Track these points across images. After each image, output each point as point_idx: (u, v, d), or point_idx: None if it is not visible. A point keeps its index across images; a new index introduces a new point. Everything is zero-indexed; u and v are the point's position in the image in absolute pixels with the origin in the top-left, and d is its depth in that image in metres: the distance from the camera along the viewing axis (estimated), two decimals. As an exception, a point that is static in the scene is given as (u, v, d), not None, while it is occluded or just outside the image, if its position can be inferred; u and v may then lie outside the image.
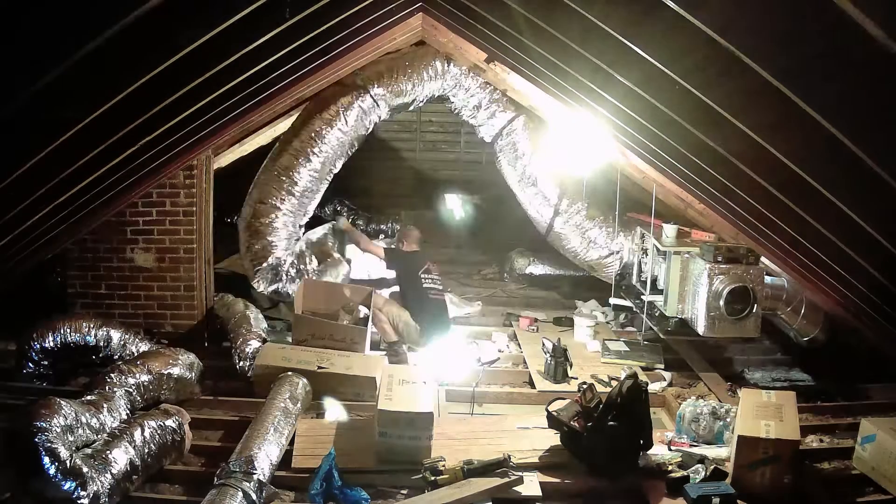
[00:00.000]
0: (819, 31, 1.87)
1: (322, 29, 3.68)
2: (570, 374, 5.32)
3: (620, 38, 2.75)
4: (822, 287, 4.43)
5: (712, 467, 3.92)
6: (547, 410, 4.26)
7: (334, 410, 4.64)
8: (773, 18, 1.99)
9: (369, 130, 6.39)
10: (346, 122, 6.14)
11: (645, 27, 2.61)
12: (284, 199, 6.00)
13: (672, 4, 2.15)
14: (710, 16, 2.12)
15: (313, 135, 6.07)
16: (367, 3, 3.76)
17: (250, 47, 3.21)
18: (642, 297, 6.11)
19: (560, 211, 6.83)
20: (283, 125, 6.81)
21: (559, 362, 5.30)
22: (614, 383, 4.40)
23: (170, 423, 4.00)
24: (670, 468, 3.89)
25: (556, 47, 3.69)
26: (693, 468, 3.92)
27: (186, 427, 4.12)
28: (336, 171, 6.32)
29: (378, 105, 6.23)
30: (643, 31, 2.65)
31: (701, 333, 5.48)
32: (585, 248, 6.89)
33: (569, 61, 3.81)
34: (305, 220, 6.27)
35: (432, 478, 3.75)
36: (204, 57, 2.91)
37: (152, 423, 3.91)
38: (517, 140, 6.76)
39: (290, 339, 5.47)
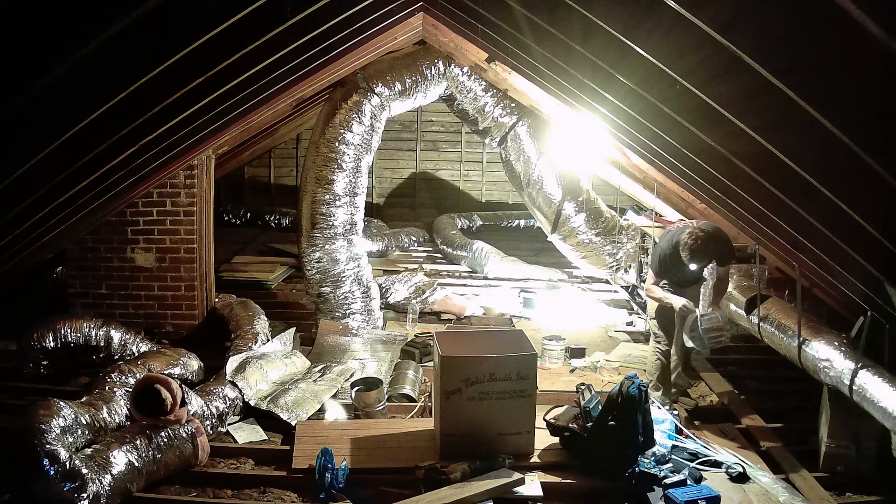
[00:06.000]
0: (819, 31, 1.87)
1: (323, 29, 3.67)
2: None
3: (621, 37, 2.75)
4: (822, 286, 4.43)
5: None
6: (545, 420, 4.23)
7: (334, 410, 4.64)
8: (774, 18, 1.99)
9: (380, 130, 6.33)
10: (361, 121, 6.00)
11: (646, 27, 2.61)
12: None
13: (673, 4, 2.15)
14: (711, 15, 2.11)
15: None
16: (367, 2, 3.76)
17: (250, 47, 3.21)
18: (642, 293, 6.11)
19: (563, 214, 6.85)
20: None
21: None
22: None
23: (181, 431, 3.88)
24: (663, 474, 3.86)
25: (557, 47, 3.69)
26: (683, 473, 3.90)
27: (202, 439, 3.97)
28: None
29: (384, 105, 6.22)
30: (644, 31, 2.64)
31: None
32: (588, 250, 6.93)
33: (570, 61, 3.80)
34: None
35: (432, 477, 3.76)
36: (204, 57, 2.90)
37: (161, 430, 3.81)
38: (522, 144, 6.81)
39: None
